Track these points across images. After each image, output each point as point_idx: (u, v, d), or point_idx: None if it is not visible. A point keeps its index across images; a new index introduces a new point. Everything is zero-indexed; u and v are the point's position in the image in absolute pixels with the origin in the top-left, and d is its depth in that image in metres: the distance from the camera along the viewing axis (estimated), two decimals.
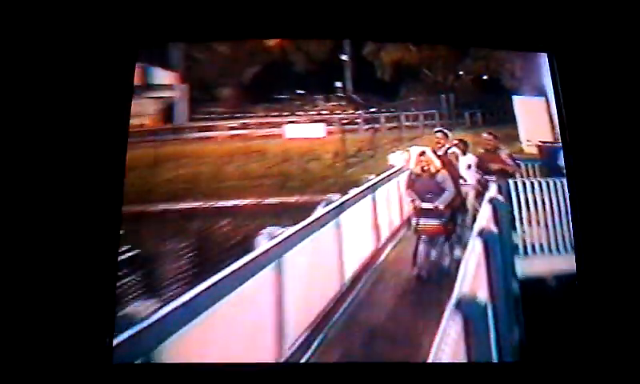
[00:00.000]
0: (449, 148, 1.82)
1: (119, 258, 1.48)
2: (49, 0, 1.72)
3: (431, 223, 1.78)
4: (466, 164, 1.86)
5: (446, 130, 1.75)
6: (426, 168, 1.76)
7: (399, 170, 1.85)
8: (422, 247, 1.78)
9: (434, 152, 1.80)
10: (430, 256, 1.76)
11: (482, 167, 1.80)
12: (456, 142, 1.79)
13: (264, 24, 1.69)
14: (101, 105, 1.64)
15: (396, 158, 1.70)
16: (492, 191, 1.62)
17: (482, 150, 1.77)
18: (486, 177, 1.79)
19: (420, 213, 1.79)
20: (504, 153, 1.72)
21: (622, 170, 1.64)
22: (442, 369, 1.40)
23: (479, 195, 1.81)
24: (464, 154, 1.83)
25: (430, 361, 1.22)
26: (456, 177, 1.86)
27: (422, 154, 1.73)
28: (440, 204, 1.76)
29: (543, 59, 1.71)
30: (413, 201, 1.82)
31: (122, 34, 1.70)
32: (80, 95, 1.64)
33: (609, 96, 1.68)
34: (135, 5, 1.76)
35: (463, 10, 1.74)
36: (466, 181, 1.88)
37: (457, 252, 1.74)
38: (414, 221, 1.84)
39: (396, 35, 1.90)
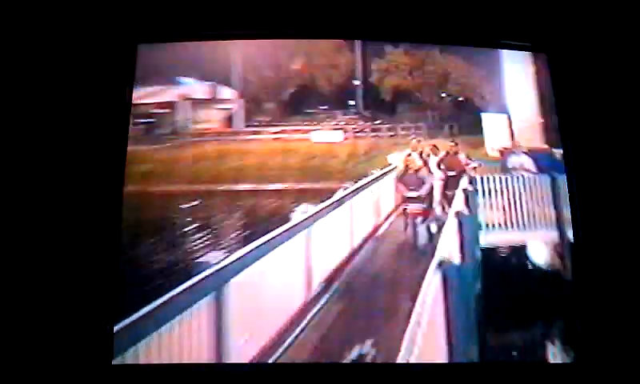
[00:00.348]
0: (427, 152, 2.10)
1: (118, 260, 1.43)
2: None
3: (415, 207, 2.11)
4: (436, 163, 2.14)
5: (422, 139, 2.02)
6: (410, 166, 2.09)
7: (394, 167, 2.11)
8: (409, 224, 2.09)
9: (419, 154, 2.10)
10: (415, 230, 2.07)
11: (446, 166, 2.09)
12: (431, 147, 2.06)
13: (266, 23, 1.66)
14: (101, 100, 1.54)
15: (393, 158, 1.98)
16: (464, 183, 1.90)
17: (447, 153, 2.04)
18: (448, 173, 2.09)
19: (407, 199, 2.11)
20: (462, 155, 2.01)
21: (620, 169, 1.59)
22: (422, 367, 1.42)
23: (445, 186, 2.12)
24: (435, 155, 2.11)
25: (417, 303, 1.74)
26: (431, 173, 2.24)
27: (409, 155, 2.04)
28: (421, 193, 2.07)
29: (505, 82, 1.94)
30: (401, 190, 2.13)
31: (122, 30, 1.61)
32: (80, 91, 1.55)
33: (606, 96, 1.63)
34: (136, 2, 1.67)
35: (462, 10, 1.71)
36: (434, 175, 2.20)
37: (433, 228, 2.06)
38: (402, 205, 2.12)
39: (392, 35, 1.81)
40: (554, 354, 1.69)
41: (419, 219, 2.19)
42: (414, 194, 2.17)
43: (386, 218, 2.21)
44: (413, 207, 2.19)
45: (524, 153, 2.05)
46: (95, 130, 1.54)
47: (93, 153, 1.52)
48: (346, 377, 1.44)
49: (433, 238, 2.06)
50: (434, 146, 2.11)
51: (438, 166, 2.21)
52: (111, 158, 1.53)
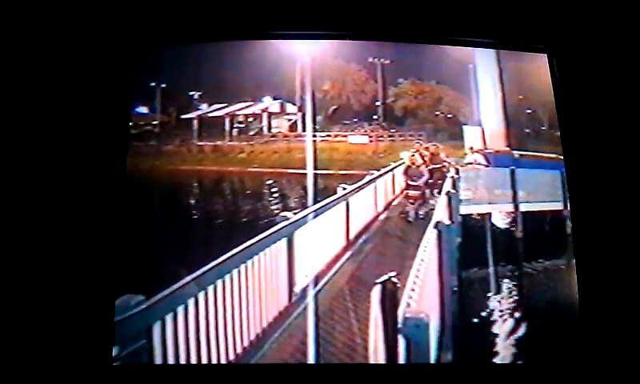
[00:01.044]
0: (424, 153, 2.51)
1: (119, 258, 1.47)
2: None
3: (414, 193, 2.58)
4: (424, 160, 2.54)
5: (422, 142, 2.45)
6: (414, 162, 2.53)
7: (402, 162, 2.58)
8: (409, 205, 2.58)
9: (419, 154, 2.53)
10: (415, 209, 2.56)
11: (432, 161, 2.51)
12: (426, 149, 2.47)
13: (270, 24, 1.75)
14: (103, 102, 1.57)
15: (403, 155, 2.46)
16: (452, 172, 2.31)
17: (432, 153, 2.46)
18: (432, 167, 2.52)
19: (409, 187, 2.58)
20: (443, 155, 2.41)
21: (620, 169, 1.62)
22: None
23: (431, 177, 2.53)
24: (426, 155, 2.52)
25: (420, 249, 2.02)
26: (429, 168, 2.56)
27: (412, 154, 2.46)
28: (420, 183, 2.55)
29: (480, 104, 2.31)
30: (405, 180, 2.58)
31: (125, 34, 1.63)
32: (83, 92, 1.58)
33: (607, 96, 1.65)
34: (139, 5, 1.66)
35: (462, 10, 1.77)
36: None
37: (425, 209, 2.52)
38: (405, 191, 2.59)
39: (392, 34, 1.87)
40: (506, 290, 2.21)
41: (419, 202, 2.61)
42: (414, 183, 2.64)
43: (395, 198, 2.66)
44: (412, 193, 2.65)
45: (482, 153, 2.41)
46: (97, 130, 1.57)
47: (94, 150, 1.55)
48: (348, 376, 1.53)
49: (424, 215, 2.52)
50: (427, 148, 2.48)
51: (425, 161, 2.56)
52: (113, 160, 1.57)
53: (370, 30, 1.79)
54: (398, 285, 1.56)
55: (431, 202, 2.54)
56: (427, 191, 2.58)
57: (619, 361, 1.51)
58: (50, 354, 1.40)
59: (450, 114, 2.31)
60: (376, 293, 1.53)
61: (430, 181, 2.60)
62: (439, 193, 2.49)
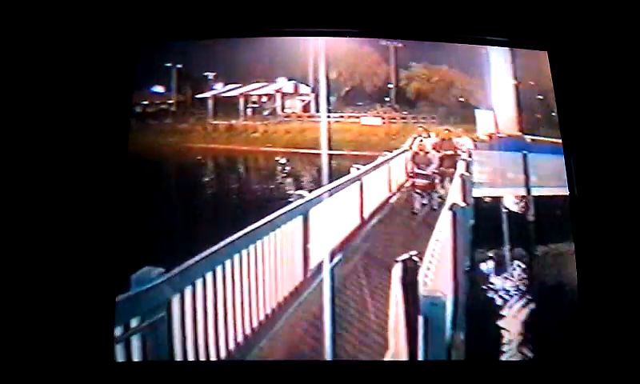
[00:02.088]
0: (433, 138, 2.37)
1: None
2: None
3: (422, 181, 2.44)
4: (432, 145, 2.41)
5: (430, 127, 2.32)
6: (422, 148, 2.38)
7: (410, 148, 2.43)
8: (415, 195, 2.44)
9: (428, 139, 2.37)
10: (421, 201, 2.42)
11: (443, 147, 2.39)
12: (435, 134, 2.37)
13: (269, 21, 1.82)
14: (103, 98, 1.61)
15: (410, 142, 2.38)
16: (465, 155, 2.29)
17: (442, 139, 2.37)
18: (443, 153, 2.39)
19: (416, 175, 2.43)
20: (454, 140, 2.33)
21: (621, 165, 1.64)
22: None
23: (441, 164, 2.40)
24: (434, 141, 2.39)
25: (433, 234, 2.13)
26: (439, 155, 2.41)
27: (421, 140, 2.35)
28: (428, 171, 2.39)
29: (492, 89, 2.26)
30: (412, 168, 2.41)
31: (126, 30, 1.66)
32: (83, 88, 1.60)
33: (608, 92, 1.66)
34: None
35: (462, 7, 1.80)
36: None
37: (434, 199, 2.38)
38: (412, 180, 2.44)
39: (397, 33, 1.98)
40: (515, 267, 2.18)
41: (427, 191, 2.42)
42: (422, 171, 2.44)
43: (407, 180, 2.51)
44: (420, 182, 2.44)
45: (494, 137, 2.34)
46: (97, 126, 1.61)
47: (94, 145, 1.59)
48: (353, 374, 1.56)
49: (431, 206, 2.37)
50: (437, 132, 2.37)
51: (435, 148, 2.41)
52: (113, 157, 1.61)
53: (375, 27, 1.87)
54: (419, 263, 1.58)
55: (441, 191, 2.41)
56: (437, 180, 2.44)
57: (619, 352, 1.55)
58: (52, 348, 1.41)
59: (463, 97, 2.30)
60: (397, 271, 1.55)
61: (440, 168, 2.44)
62: (450, 181, 2.40)
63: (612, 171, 1.66)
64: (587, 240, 1.68)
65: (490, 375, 1.65)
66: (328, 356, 1.56)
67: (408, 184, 2.50)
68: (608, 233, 1.65)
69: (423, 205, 2.42)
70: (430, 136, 2.37)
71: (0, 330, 1.39)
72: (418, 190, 2.43)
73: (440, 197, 2.38)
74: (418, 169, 2.43)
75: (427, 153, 2.41)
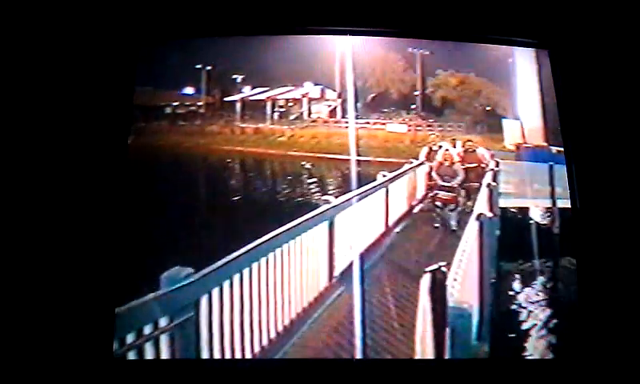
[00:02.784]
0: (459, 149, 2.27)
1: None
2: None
3: (447, 195, 2.28)
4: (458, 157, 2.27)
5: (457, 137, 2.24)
6: (447, 158, 2.25)
7: (426, 158, 2.32)
8: (437, 210, 2.28)
9: (454, 150, 2.25)
10: (443, 215, 2.26)
11: (467, 160, 2.29)
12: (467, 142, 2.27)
13: (269, 19, 1.82)
14: (103, 100, 1.60)
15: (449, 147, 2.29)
16: (492, 165, 2.26)
17: (465, 150, 2.29)
18: (467, 165, 2.29)
19: (441, 188, 2.28)
20: (480, 152, 2.27)
21: (621, 166, 1.64)
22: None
23: (466, 178, 2.28)
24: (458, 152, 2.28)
25: (460, 245, 2.04)
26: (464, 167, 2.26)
27: (447, 150, 2.24)
28: (454, 183, 2.28)
29: (518, 98, 2.25)
30: (435, 179, 2.30)
31: (124, 32, 1.65)
32: (83, 90, 1.59)
33: (609, 92, 1.66)
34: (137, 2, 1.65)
35: (461, 7, 1.80)
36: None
37: (457, 217, 2.22)
38: (435, 193, 2.30)
39: (397, 32, 1.98)
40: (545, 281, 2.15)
41: (451, 206, 2.27)
42: (447, 184, 2.28)
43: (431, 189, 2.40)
44: (444, 195, 2.28)
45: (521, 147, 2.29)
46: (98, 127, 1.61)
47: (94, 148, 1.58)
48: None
49: (456, 222, 2.21)
50: (463, 143, 2.28)
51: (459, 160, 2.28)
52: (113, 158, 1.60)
53: (363, 23, 1.87)
54: (447, 274, 1.57)
55: (466, 206, 2.28)
56: (462, 194, 2.29)
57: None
58: (55, 346, 1.42)
59: (489, 106, 2.28)
60: (425, 282, 1.54)
61: (465, 183, 2.30)
62: (474, 198, 2.30)
63: (613, 174, 1.68)
64: (588, 250, 1.71)
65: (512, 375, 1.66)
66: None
67: (429, 198, 2.36)
68: (610, 237, 1.66)
69: (445, 220, 2.29)
70: (455, 146, 2.29)
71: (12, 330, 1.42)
72: (438, 203, 2.30)
73: (461, 213, 2.28)
74: (442, 181, 2.30)
75: (453, 163, 2.27)
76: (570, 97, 1.77)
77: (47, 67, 1.61)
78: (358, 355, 1.63)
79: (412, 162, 2.29)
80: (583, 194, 1.78)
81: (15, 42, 1.60)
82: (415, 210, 2.36)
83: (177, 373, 1.50)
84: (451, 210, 2.26)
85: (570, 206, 1.92)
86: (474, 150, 2.27)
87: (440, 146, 2.27)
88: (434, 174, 2.29)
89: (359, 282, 1.70)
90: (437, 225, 2.26)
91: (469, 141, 2.26)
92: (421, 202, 2.33)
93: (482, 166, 2.28)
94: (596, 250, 1.70)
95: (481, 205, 2.10)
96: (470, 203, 2.27)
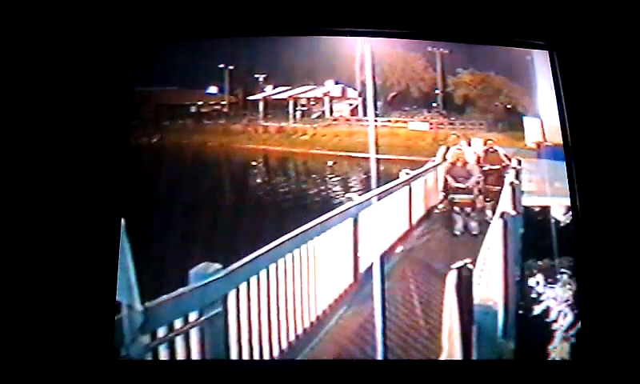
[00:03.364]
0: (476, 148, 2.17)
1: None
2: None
3: (462, 197, 2.13)
4: (476, 158, 2.20)
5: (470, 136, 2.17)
6: (459, 157, 2.16)
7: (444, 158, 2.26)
8: (455, 214, 2.11)
9: (469, 149, 2.15)
10: (463, 220, 2.10)
11: (487, 160, 2.21)
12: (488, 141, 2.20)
13: (270, 20, 1.83)
14: (102, 101, 1.60)
15: (462, 145, 2.24)
16: (514, 163, 2.22)
17: (485, 151, 2.23)
18: (488, 167, 2.21)
19: (455, 190, 2.15)
20: (501, 152, 2.21)
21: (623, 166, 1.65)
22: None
23: (484, 179, 2.17)
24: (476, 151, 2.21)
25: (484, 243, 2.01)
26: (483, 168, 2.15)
27: (459, 148, 2.14)
28: (469, 184, 2.11)
29: (538, 96, 2.21)
30: (449, 181, 2.15)
31: (124, 33, 1.65)
32: (82, 91, 1.59)
33: (611, 93, 1.66)
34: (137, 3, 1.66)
35: (461, 7, 1.81)
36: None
37: (477, 220, 2.09)
38: (449, 197, 2.16)
39: (402, 33, 1.99)
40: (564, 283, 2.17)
41: (465, 211, 2.14)
42: (460, 186, 2.16)
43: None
44: (460, 198, 2.16)
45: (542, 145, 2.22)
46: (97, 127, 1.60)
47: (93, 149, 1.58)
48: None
49: (476, 228, 2.07)
50: (484, 141, 2.20)
51: (478, 161, 2.18)
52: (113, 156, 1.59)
53: (376, 26, 1.89)
54: (473, 271, 1.57)
55: (487, 211, 2.14)
56: (479, 197, 2.15)
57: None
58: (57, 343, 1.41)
59: (510, 104, 2.27)
60: (451, 278, 1.55)
61: (483, 184, 2.18)
62: (496, 197, 2.17)
63: (617, 173, 1.68)
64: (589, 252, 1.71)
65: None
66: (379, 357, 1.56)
67: (445, 203, 2.23)
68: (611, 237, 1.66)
69: (466, 226, 2.14)
70: (470, 144, 2.20)
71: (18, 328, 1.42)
72: (456, 208, 2.17)
73: (481, 215, 2.14)
74: (456, 182, 2.17)
75: (466, 163, 2.17)
76: (577, 100, 1.79)
77: (56, 63, 1.62)
78: (381, 354, 1.62)
79: (434, 161, 2.31)
80: (583, 193, 1.81)
81: (15, 39, 1.60)
82: (439, 208, 2.35)
83: (197, 373, 1.52)
84: (469, 214, 2.12)
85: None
86: (495, 150, 2.21)
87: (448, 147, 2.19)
88: (447, 176, 2.21)
89: (380, 280, 1.71)
90: (457, 232, 2.13)
91: (489, 140, 2.20)
92: (437, 206, 2.30)
93: (503, 165, 2.20)
94: (597, 252, 1.71)
95: (504, 203, 2.09)
96: (490, 205, 2.15)
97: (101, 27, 1.67)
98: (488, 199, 2.16)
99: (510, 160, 2.23)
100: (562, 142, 2.36)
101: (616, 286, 1.68)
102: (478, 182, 2.17)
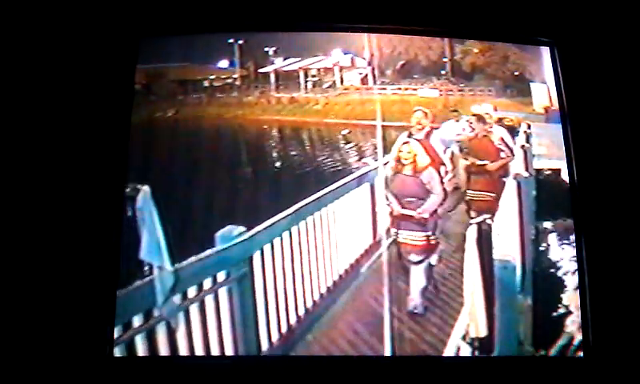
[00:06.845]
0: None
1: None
2: None
3: (411, 235, 1.39)
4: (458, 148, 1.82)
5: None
6: (407, 160, 1.44)
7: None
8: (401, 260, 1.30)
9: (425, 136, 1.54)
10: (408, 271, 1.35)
11: (472, 151, 1.93)
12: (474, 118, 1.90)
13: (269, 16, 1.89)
14: (102, 95, 1.64)
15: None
16: (524, 127, 2.25)
17: (475, 135, 2.10)
18: (477, 162, 1.83)
19: (400, 219, 1.37)
20: (496, 135, 1.97)
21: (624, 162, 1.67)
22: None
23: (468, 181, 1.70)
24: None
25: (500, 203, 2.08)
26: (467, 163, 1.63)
27: (405, 143, 1.40)
28: (424, 209, 1.37)
29: (545, 63, 2.25)
30: (392, 204, 1.38)
31: (125, 24, 1.68)
32: (82, 83, 1.63)
33: (613, 88, 1.69)
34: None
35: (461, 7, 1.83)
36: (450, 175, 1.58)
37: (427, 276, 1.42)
38: (392, 229, 1.41)
39: (401, 29, 2.04)
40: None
41: (415, 256, 1.32)
42: (410, 212, 1.35)
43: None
44: (407, 235, 1.37)
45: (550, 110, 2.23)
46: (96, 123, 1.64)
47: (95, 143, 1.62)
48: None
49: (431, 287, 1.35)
50: (479, 116, 1.79)
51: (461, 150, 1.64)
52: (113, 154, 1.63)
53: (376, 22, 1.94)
54: (492, 226, 1.65)
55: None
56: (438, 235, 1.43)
57: None
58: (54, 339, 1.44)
59: (517, 71, 2.33)
60: (472, 232, 1.62)
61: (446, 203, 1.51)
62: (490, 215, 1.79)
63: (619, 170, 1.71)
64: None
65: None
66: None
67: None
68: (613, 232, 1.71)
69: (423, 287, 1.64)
70: (432, 131, 1.72)
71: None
72: (409, 254, 1.56)
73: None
74: (402, 206, 1.42)
75: (420, 170, 1.48)
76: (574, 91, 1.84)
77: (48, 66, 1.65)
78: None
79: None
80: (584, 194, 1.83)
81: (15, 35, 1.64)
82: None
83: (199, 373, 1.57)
84: (418, 263, 1.37)
85: None
86: (487, 134, 1.75)
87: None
88: (387, 192, 1.45)
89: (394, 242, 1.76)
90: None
91: (486, 114, 1.83)
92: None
93: (501, 158, 1.90)
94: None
95: (517, 166, 2.17)
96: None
97: (102, 12, 1.73)
98: (475, 215, 1.62)
99: (512, 152, 2.05)
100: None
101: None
102: (440, 204, 1.52)
